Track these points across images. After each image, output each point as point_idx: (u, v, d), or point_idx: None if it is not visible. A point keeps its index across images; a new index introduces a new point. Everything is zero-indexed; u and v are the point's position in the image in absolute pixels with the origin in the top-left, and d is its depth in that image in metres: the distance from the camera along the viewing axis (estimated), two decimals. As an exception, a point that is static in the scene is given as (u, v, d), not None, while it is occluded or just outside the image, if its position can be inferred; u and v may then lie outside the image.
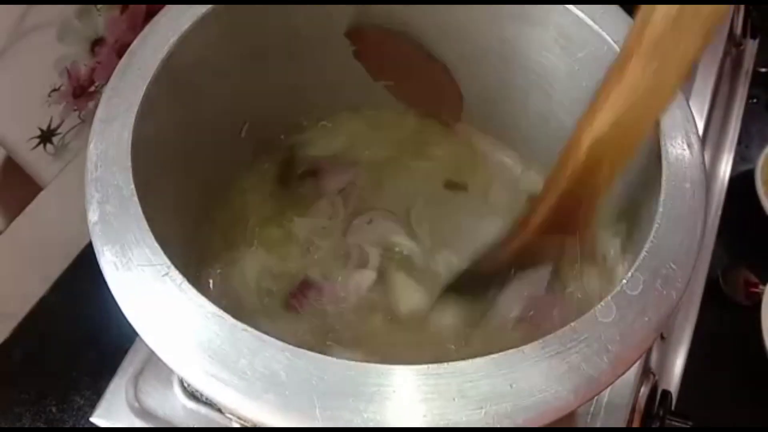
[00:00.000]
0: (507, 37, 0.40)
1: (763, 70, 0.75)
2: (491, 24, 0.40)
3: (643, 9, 0.29)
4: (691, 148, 0.31)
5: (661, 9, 0.29)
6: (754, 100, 0.75)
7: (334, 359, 0.24)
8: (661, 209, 0.29)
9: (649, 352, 0.50)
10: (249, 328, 0.25)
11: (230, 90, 0.40)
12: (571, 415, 0.25)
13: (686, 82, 0.59)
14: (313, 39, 0.42)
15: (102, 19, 0.49)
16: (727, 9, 0.36)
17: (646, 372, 0.47)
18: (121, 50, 0.51)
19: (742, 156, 0.71)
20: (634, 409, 0.44)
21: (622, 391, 0.43)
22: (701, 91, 0.59)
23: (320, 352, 0.24)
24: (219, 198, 0.44)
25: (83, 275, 0.53)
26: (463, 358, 0.24)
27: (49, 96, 0.47)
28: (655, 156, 0.31)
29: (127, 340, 0.46)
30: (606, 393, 0.43)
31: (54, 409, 0.50)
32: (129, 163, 0.29)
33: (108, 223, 0.27)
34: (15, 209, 0.48)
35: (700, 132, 0.33)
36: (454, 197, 0.46)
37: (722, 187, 0.67)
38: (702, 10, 0.28)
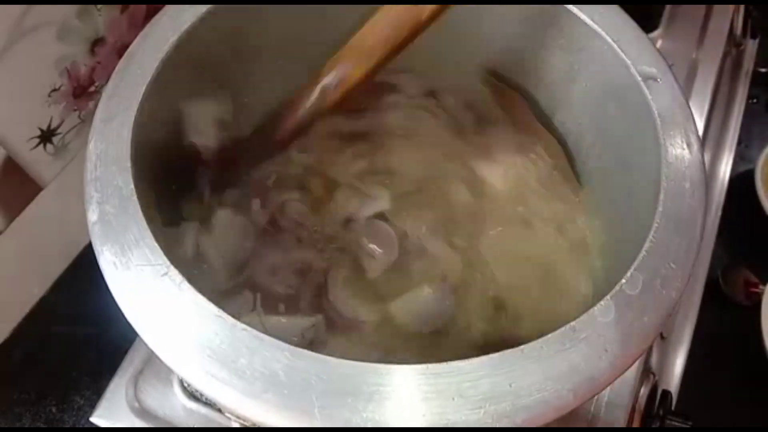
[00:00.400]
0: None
1: (763, 70, 0.75)
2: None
3: None
4: (691, 148, 0.31)
5: None
6: (754, 100, 0.75)
7: (334, 359, 0.24)
8: (660, 209, 0.29)
9: (649, 351, 0.50)
10: (248, 328, 0.25)
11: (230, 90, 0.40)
12: (571, 414, 0.25)
13: (686, 82, 0.59)
14: (313, 40, 0.41)
15: (102, 18, 0.49)
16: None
17: (646, 372, 0.46)
18: (121, 50, 0.51)
19: (742, 156, 0.71)
20: (634, 409, 0.44)
21: (622, 391, 0.43)
22: (701, 91, 0.59)
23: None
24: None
25: (83, 275, 0.53)
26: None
27: (49, 96, 0.47)
28: (654, 156, 0.31)
29: (127, 340, 0.46)
30: (606, 393, 0.43)
31: (54, 409, 0.50)
32: (129, 163, 0.29)
33: (107, 223, 0.27)
34: (15, 209, 0.48)
35: (700, 132, 0.33)
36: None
37: (722, 187, 0.67)
38: None
